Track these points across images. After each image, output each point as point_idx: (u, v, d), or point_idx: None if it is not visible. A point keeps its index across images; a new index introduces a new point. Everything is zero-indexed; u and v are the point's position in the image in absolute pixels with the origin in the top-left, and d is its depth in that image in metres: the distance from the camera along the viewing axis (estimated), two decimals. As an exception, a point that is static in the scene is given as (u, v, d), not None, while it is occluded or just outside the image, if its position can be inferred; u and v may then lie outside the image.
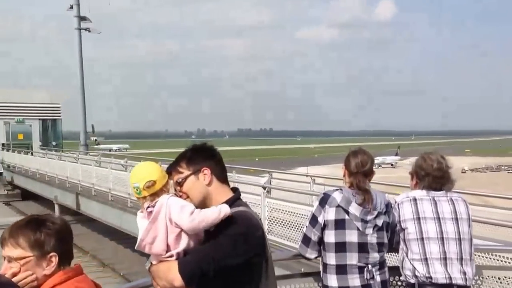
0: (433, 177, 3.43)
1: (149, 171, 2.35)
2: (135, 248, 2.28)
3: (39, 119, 39.51)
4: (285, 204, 10.35)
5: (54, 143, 38.79)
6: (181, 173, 2.44)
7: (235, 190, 2.53)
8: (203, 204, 2.39)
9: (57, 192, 24.70)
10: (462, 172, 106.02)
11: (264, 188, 10.83)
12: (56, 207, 23.91)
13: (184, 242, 2.24)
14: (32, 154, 32.98)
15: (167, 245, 2.23)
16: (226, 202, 2.34)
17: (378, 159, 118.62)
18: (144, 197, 2.30)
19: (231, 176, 15.87)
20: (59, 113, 40.04)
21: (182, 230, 2.24)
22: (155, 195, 2.29)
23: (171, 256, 2.23)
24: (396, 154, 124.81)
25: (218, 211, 2.23)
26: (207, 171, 2.43)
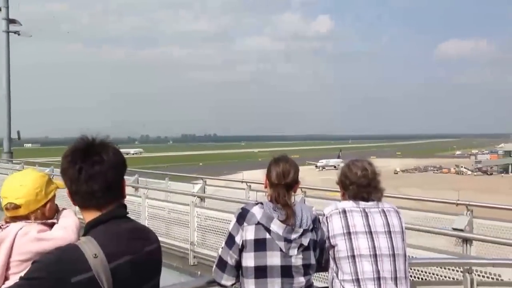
0: (357, 185, 3.06)
1: (17, 190, 2.05)
2: None
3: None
4: (216, 213, 9.65)
5: None
6: None
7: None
8: None
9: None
10: (395, 173, 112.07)
11: (194, 196, 10.11)
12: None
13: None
14: None
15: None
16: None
17: (322, 162, 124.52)
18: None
19: (163, 183, 15.20)
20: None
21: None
22: (19, 218, 2.04)
23: None
24: (338, 157, 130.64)
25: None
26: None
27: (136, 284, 1.88)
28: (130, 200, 11.53)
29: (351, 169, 3.13)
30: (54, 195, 2.35)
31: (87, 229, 1.87)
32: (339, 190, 3.26)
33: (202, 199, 11.48)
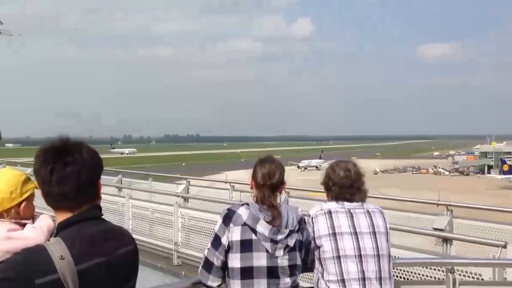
0: (340, 186, 3.09)
1: None
2: None
3: None
4: (199, 214, 9.55)
5: None
6: None
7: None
8: None
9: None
10: (375, 174, 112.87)
11: (178, 196, 10.02)
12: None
13: None
14: None
15: None
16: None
17: (304, 162, 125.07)
18: None
19: (147, 183, 15.05)
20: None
21: None
22: None
23: None
24: (320, 157, 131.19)
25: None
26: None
27: (110, 286, 1.83)
28: (114, 200, 11.46)
29: (335, 170, 3.15)
30: (32, 195, 2.28)
31: (58, 230, 1.83)
32: (320, 190, 3.28)
33: (186, 199, 11.44)
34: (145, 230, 10.44)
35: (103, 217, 1.93)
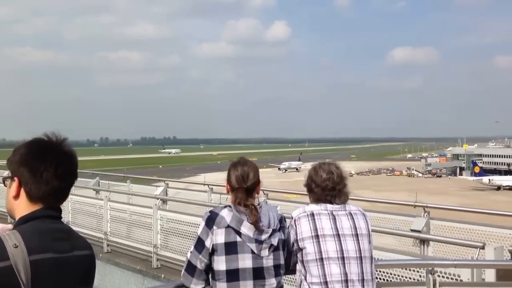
0: (322, 188, 3.05)
1: None
2: None
3: None
4: (178, 216, 9.46)
5: None
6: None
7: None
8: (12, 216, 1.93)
9: None
10: (350, 176, 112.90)
11: (157, 199, 9.90)
12: None
13: None
14: None
15: None
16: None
17: (285, 164, 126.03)
18: None
19: (125, 185, 14.85)
20: None
21: None
22: None
23: None
24: (299, 159, 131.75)
25: None
26: (15, 182, 1.89)
27: (62, 285, 1.81)
28: (91, 203, 11.25)
29: (317, 172, 3.12)
30: None
31: (16, 224, 1.84)
32: (298, 192, 3.26)
33: (164, 201, 11.32)
34: (123, 233, 10.31)
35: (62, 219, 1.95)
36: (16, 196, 1.87)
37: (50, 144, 1.90)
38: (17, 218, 1.87)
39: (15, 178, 1.86)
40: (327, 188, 3.04)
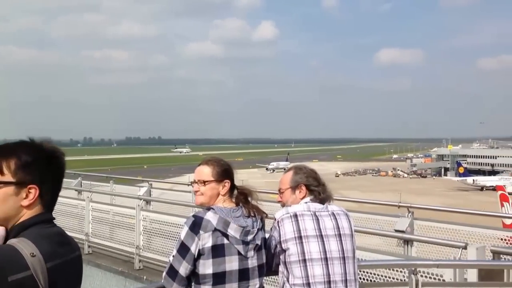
0: (306, 185, 3.12)
1: None
2: None
3: None
4: (162, 217, 9.39)
5: None
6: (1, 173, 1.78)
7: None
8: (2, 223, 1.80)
9: None
10: (336, 176, 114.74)
11: (140, 199, 9.82)
12: None
13: None
14: None
15: None
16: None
17: (273, 164, 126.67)
18: None
19: (108, 186, 14.71)
20: None
21: None
22: None
23: None
24: (287, 160, 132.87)
25: None
26: (34, 191, 1.78)
27: None
28: (73, 203, 11.13)
29: (297, 172, 3.19)
30: None
31: (18, 231, 1.77)
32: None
33: (148, 202, 11.25)
34: (105, 234, 10.20)
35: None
36: (31, 205, 1.79)
37: (49, 149, 1.85)
38: (13, 224, 1.79)
39: (35, 187, 1.78)
40: (313, 184, 3.12)
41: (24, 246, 1.66)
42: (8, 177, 1.76)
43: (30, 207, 1.78)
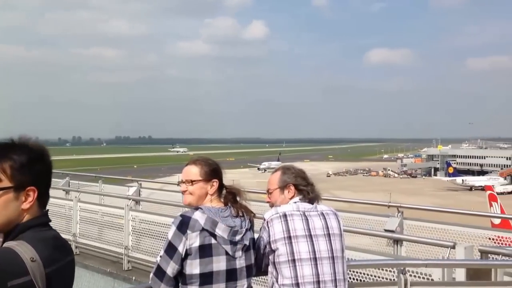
0: (295, 184, 3.13)
1: None
2: None
3: None
4: (151, 217, 9.33)
5: None
6: None
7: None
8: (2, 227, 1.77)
9: None
10: (327, 176, 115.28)
11: (129, 199, 9.76)
12: None
13: None
14: None
15: None
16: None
17: (265, 164, 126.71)
18: None
19: (97, 186, 14.63)
20: None
21: None
22: None
23: None
24: (278, 160, 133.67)
25: None
26: (32, 193, 1.77)
27: None
28: (61, 203, 11.05)
29: (285, 172, 3.19)
30: None
31: (17, 233, 1.74)
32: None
33: (137, 202, 11.20)
34: (94, 234, 10.13)
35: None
36: (31, 207, 1.77)
37: (39, 148, 1.83)
38: (12, 227, 1.77)
39: (34, 188, 1.76)
40: (302, 184, 3.12)
41: (24, 250, 1.65)
42: (6, 182, 1.72)
43: (30, 209, 1.76)
